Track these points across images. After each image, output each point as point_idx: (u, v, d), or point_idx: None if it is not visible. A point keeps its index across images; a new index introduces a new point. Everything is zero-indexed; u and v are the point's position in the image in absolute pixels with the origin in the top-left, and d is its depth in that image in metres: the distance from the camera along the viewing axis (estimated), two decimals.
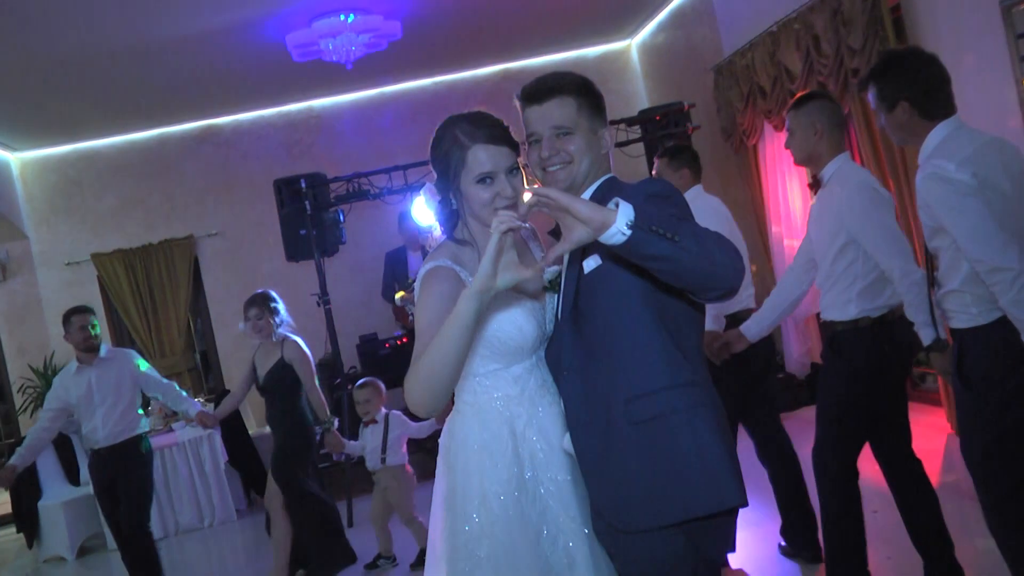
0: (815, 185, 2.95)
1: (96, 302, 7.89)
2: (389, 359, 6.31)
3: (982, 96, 4.20)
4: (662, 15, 7.59)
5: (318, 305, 6.24)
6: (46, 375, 7.46)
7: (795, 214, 5.99)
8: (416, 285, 1.88)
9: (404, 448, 4.48)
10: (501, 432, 1.87)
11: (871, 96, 2.51)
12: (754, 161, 6.40)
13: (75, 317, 4.34)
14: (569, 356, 1.83)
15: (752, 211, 6.47)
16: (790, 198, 6.03)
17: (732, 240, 1.64)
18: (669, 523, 1.69)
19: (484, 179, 1.83)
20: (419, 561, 4.37)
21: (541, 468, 1.86)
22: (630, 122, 6.60)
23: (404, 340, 6.42)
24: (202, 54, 6.22)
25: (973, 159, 2.30)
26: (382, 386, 4.58)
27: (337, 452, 4.74)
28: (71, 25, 5.24)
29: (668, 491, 1.69)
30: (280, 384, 4.36)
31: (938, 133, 2.40)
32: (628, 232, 1.51)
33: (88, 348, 4.35)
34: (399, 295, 6.17)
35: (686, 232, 1.54)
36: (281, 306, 4.48)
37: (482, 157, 1.82)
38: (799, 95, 2.98)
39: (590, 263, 1.78)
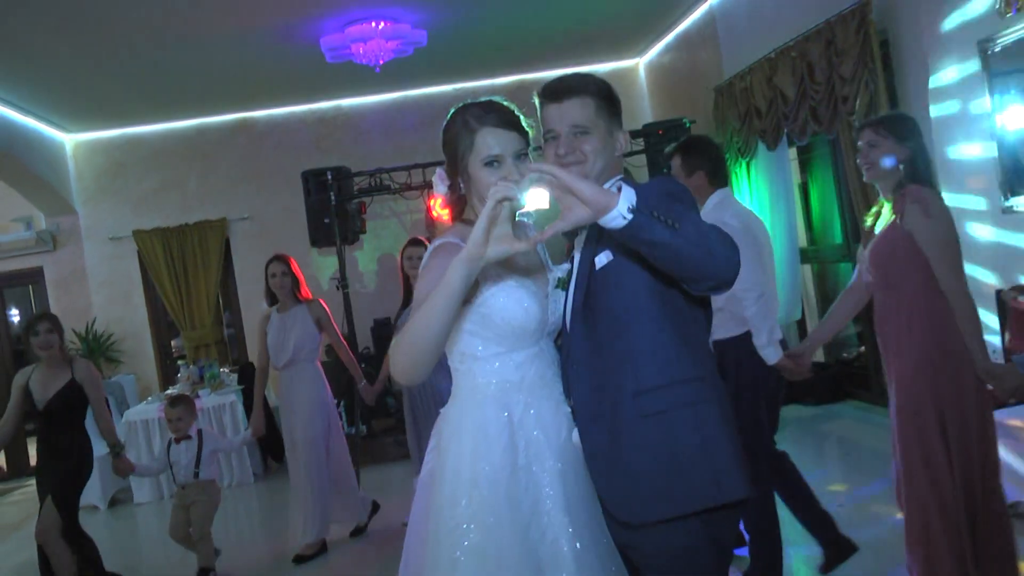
0: None
1: (135, 275, 8.21)
2: None
3: (962, 126, 4.33)
4: (669, 37, 7.74)
5: (337, 289, 6.51)
6: (87, 339, 7.83)
7: (786, 228, 6.21)
8: (423, 260, 1.83)
9: (215, 463, 4.44)
10: (499, 416, 1.79)
11: (674, 164, 3.32)
12: (748, 176, 6.54)
13: None
14: (578, 350, 1.77)
15: None
16: (781, 213, 6.22)
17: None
18: (674, 516, 1.66)
19: (492, 162, 1.77)
20: None
21: (535, 458, 1.77)
22: (634, 135, 6.66)
23: None
24: (243, 51, 6.36)
25: (741, 214, 3.26)
26: (195, 403, 4.54)
27: (125, 476, 4.47)
28: (123, 17, 5.39)
29: (674, 484, 1.66)
30: (68, 406, 4.00)
31: (717, 196, 3.30)
32: (629, 216, 1.48)
33: None
34: None
35: (686, 221, 1.51)
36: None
37: (490, 140, 1.77)
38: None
39: (601, 259, 1.74)
